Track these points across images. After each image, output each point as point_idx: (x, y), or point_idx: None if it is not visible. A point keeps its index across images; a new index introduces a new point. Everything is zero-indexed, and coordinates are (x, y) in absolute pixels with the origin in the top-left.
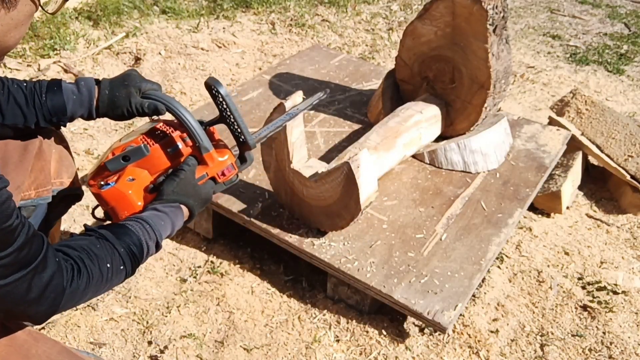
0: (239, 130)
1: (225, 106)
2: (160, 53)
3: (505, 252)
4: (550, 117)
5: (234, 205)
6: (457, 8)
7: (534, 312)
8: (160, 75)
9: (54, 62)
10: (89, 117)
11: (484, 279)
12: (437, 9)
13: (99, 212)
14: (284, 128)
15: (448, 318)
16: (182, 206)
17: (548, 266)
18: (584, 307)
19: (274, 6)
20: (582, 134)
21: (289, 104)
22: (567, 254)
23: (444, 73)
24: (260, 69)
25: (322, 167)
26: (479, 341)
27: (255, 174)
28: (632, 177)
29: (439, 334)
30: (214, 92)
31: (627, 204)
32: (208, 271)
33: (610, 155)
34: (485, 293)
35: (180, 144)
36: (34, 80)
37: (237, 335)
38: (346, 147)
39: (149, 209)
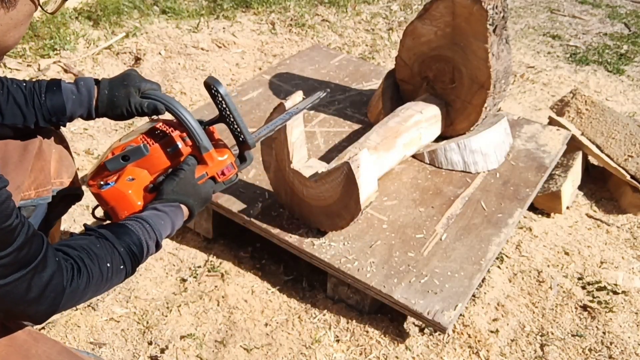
0: (238, 129)
1: (224, 105)
2: (160, 53)
3: (505, 252)
4: (550, 117)
5: (234, 205)
6: (457, 8)
7: (534, 312)
8: (160, 75)
9: (54, 62)
10: (88, 117)
11: (484, 279)
12: (437, 9)
13: (99, 212)
14: (284, 128)
15: (448, 318)
16: (182, 206)
17: (548, 266)
18: (584, 307)
19: (274, 6)
20: (582, 134)
21: (288, 103)
22: (567, 254)
23: (444, 73)
24: (260, 69)
25: (322, 167)
26: (479, 341)
27: (255, 174)
28: (632, 177)
29: (439, 334)
30: (213, 91)
31: (627, 204)
32: (208, 271)
33: (610, 155)
34: (485, 293)
35: (179, 144)
36: (33, 80)
37: (237, 335)
38: (346, 147)
39: (148, 209)
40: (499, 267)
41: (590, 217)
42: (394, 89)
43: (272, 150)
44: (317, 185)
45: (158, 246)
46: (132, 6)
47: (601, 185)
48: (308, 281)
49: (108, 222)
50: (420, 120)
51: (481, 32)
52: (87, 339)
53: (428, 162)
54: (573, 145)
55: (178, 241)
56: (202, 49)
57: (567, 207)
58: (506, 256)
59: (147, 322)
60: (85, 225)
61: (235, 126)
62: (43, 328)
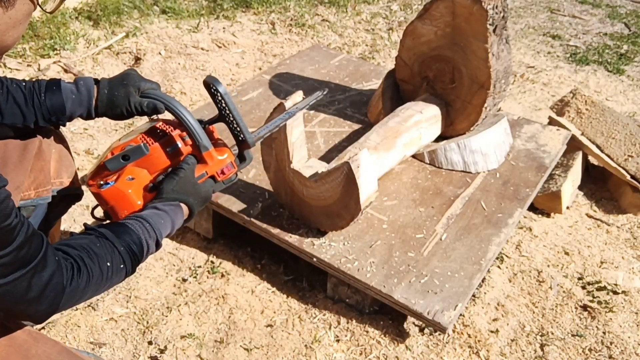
0: (238, 128)
1: (224, 105)
2: (160, 53)
3: (505, 252)
4: (550, 117)
5: (234, 205)
6: (457, 8)
7: (534, 312)
8: (160, 75)
9: (54, 62)
10: (88, 116)
11: (484, 279)
12: (437, 9)
13: (99, 212)
14: (284, 128)
15: (448, 318)
16: (182, 205)
17: (548, 266)
18: (584, 307)
19: (274, 6)
20: (582, 134)
21: (288, 103)
22: (567, 254)
23: (444, 73)
24: (260, 69)
25: (322, 167)
26: (479, 341)
27: (255, 174)
28: (632, 177)
29: (439, 334)
30: (212, 90)
31: (627, 204)
32: (208, 271)
33: (610, 155)
34: (485, 293)
35: (179, 143)
36: (33, 80)
37: (237, 335)
38: (346, 147)
39: (148, 208)
40: (499, 267)
41: (590, 217)
42: (394, 89)
43: (272, 150)
44: (317, 185)
45: (158, 245)
46: (132, 6)
47: (601, 185)
48: (308, 281)
49: (108, 221)
50: (420, 120)
51: (481, 32)
52: (87, 339)
53: (428, 162)
54: (573, 145)
55: (178, 241)
56: (202, 48)
57: (567, 207)
58: (506, 256)
59: (147, 322)
60: (85, 224)
61: (235, 125)
62: (43, 328)
